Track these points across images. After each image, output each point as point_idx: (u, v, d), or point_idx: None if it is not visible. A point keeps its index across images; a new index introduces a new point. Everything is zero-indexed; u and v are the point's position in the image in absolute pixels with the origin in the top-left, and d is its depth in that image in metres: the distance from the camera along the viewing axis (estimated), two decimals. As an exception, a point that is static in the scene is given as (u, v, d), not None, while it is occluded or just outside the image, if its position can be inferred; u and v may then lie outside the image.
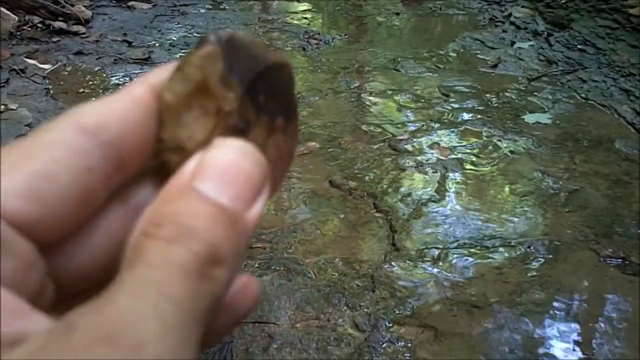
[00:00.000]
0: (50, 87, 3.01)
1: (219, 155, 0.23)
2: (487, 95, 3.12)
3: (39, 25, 3.73)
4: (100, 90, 3.07)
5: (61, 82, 3.11)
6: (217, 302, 0.21)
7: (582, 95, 3.11)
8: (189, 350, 0.19)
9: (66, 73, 3.25)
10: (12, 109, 2.63)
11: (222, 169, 0.22)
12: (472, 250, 1.94)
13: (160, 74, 0.26)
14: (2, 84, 2.90)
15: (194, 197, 0.22)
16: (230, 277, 0.22)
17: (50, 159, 0.22)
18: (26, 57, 3.30)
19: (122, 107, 0.24)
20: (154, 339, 0.18)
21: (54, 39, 3.64)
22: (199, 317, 0.20)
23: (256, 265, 1.84)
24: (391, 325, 1.63)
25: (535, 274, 1.83)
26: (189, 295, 0.20)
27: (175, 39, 3.93)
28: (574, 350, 1.58)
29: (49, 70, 3.20)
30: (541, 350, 1.57)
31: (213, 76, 0.24)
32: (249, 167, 0.23)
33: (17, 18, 3.62)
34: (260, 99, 0.25)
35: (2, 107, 2.63)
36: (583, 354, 1.56)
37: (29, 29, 3.69)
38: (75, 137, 0.23)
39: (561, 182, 2.31)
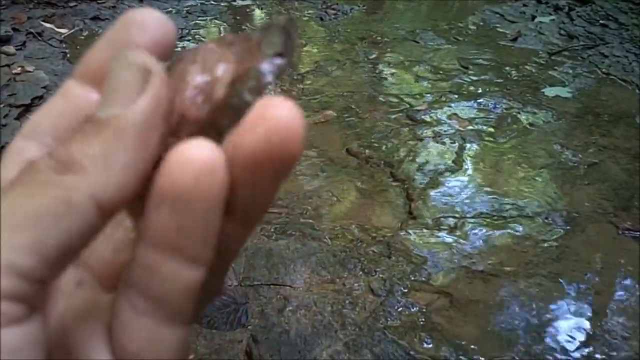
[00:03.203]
0: (67, 50, 3.00)
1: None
2: (507, 68, 3.07)
3: (56, -11, 3.71)
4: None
5: (78, 47, 3.09)
6: (75, 205, 0.20)
7: (603, 70, 3.06)
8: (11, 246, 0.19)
9: (83, 38, 3.23)
10: (29, 71, 2.62)
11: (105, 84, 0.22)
12: (489, 220, 1.92)
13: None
14: (19, 47, 2.89)
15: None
16: (99, 181, 0.21)
17: None
18: (43, 21, 3.28)
19: None
20: None
21: (71, 4, 3.62)
22: (41, 220, 0.20)
23: (272, 230, 1.84)
24: (407, 290, 1.63)
25: (552, 244, 1.82)
26: (27, 199, 0.20)
27: (192, 5, 3.89)
28: (588, 321, 1.57)
29: (65, 35, 3.18)
30: (556, 321, 1.56)
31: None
32: (119, 70, 0.22)
33: (33, -18, 3.60)
34: None
35: (19, 68, 2.62)
36: (597, 325, 1.56)
37: (46, -7, 3.67)
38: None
39: (580, 155, 2.28)
